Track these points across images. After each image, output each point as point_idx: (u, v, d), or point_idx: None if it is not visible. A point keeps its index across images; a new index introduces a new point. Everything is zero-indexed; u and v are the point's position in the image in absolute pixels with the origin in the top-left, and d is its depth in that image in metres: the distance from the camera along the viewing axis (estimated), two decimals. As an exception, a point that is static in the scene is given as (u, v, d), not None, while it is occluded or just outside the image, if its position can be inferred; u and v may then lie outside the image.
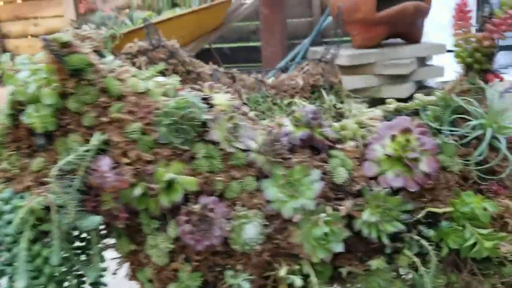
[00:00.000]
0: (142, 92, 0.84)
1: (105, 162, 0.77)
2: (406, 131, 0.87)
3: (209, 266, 0.84)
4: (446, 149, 0.91)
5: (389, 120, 0.99)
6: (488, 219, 0.86)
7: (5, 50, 6.87)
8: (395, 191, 0.87)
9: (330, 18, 4.16)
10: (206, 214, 0.80)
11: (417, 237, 0.87)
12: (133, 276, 0.94)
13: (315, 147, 0.92)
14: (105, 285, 1.11)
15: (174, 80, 0.88)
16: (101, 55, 0.92)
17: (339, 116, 1.76)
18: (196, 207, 0.81)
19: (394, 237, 0.89)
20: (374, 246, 0.89)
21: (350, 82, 3.36)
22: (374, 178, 0.89)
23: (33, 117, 0.77)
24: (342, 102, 1.84)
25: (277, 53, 4.08)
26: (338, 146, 0.93)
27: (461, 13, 0.99)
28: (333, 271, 0.91)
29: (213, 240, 0.81)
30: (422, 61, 3.63)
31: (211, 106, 0.90)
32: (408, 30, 3.52)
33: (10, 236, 0.77)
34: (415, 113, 1.00)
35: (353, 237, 0.88)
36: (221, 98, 0.91)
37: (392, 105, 1.01)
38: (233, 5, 4.69)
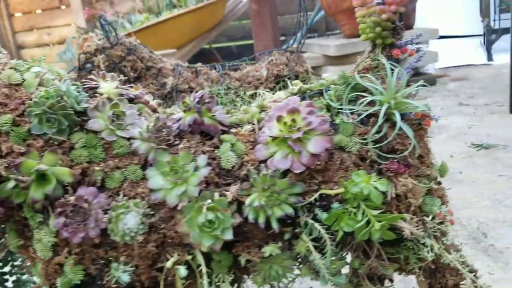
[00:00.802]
0: (16, 83, 0.82)
1: (-34, 156, 0.75)
2: (293, 111, 0.83)
3: (93, 259, 0.82)
4: (345, 129, 0.87)
5: (293, 102, 0.95)
6: (380, 199, 0.82)
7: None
8: (284, 174, 0.83)
9: (323, 12, 4.13)
10: (81, 206, 0.78)
11: (311, 221, 0.84)
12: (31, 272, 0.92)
13: (207, 133, 0.89)
14: (34, 282, 1.10)
15: (51, 69, 0.86)
16: (-13, 49, 0.90)
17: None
18: (71, 199, 0.79)
19: (292, 222, 0.85)
20: (270, 232, 0.86)
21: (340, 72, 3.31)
22: (265, 161, 0.85)
23: None
24: None
25: (269, 47, 4.05)
26: (232, 130, 0.90)
27: (362, -13, 0.95)
28: (234, 261, 0.88)
29: (89, 231, 0.79)
30: (415, 47, 3.56)
31: (96, 94, 0.88)
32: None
33: None
34: (320, 93, 0.96)
35: (249, 224, 0.85)
36: (108, 86, 0.89)
37: (296, 87, 0.97)
38: (229, 3, 4.69)
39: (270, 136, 0.83)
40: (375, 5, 0.92)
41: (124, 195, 0.82)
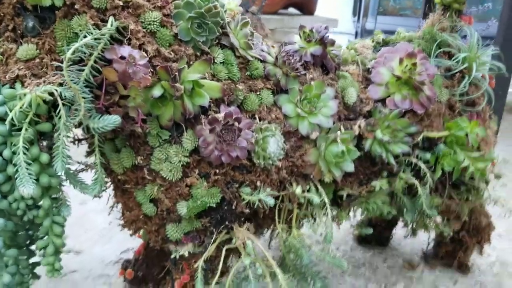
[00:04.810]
0: (156, -21, 0.72)
1: (129, 51, 0.64)
2: (411, 55, 0.89)
3: (227, 182, 0.77)
4: (435, 80, 0.95)
5: (378, 50, 1.00)
6: (477, 143, 0.93)
7: None
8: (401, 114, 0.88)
9: None
10: (232, 124, 0.73)
11: (415, 160, 0.91)
12: (125, 197, 0.81)
13: (323, 66, 0.89)
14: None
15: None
16: None
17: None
18: (220, 116, 0.73)
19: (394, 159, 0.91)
20: (375, 169, 0.90)
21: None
22: (379, 100, 0.89)
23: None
24: None
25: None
26: (343, 68, 0.92)
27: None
28: (333, 195, 0.91)
29: (238, 151, 0.74)
30: (315, 33, 3.80)
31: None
32: (305, 1, 3.62)
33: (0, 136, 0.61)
34: (400, 46, 1.02)
35: (359, 158, 0.87)
36: (232, 2, 0.83)
37: (380, 36, 1.02)
38: None
39: (395, 76, 0.87)
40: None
41: (260, 119, 0.79)
